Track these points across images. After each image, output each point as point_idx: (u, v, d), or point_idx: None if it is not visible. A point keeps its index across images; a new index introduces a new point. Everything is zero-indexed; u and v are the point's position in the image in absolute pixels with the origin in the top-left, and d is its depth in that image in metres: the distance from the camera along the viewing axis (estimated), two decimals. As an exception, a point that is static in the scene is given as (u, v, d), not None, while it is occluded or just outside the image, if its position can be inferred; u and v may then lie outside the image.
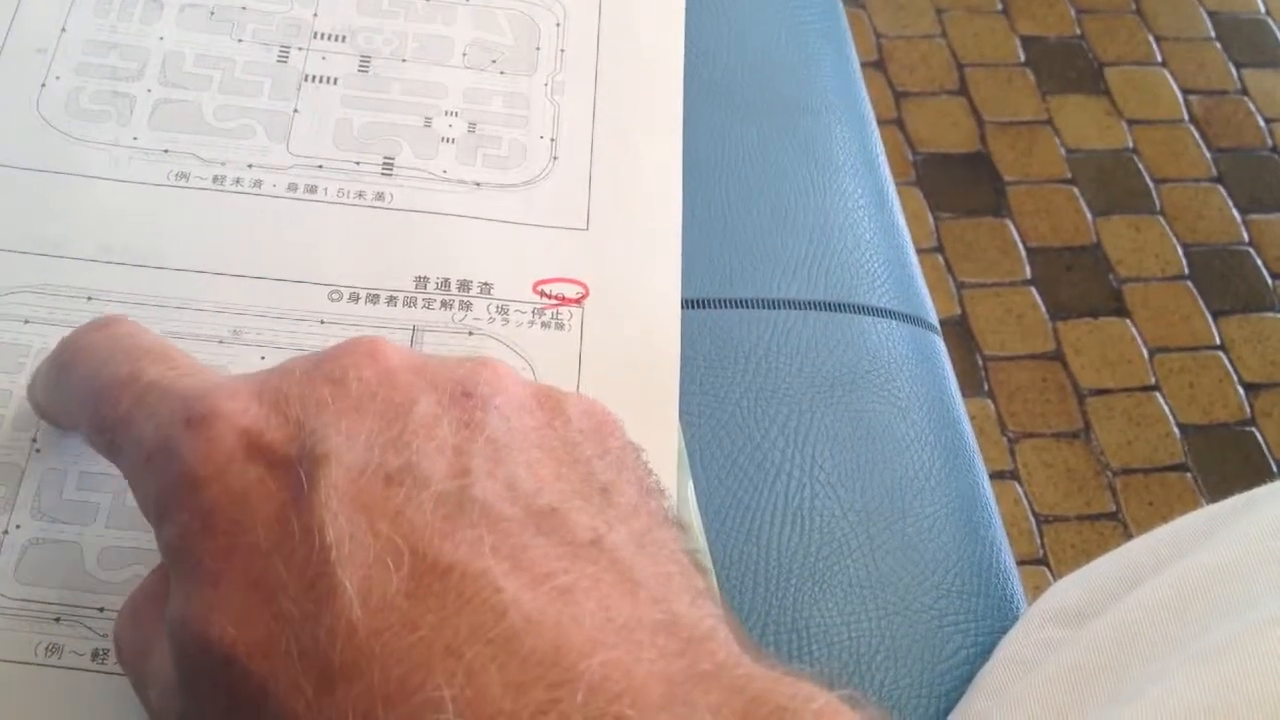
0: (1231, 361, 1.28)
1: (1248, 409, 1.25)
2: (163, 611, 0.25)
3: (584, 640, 0.22)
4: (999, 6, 1.52)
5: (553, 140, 0.43)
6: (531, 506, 0.24)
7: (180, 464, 0.25)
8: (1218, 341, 1.29)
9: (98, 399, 0.29)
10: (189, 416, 0.26)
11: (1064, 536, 1.15)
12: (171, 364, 0.28)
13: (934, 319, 0.46)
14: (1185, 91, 1.48)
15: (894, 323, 0.44)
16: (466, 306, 0.39)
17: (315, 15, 0.44)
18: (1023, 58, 1.49)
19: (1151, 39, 1.52)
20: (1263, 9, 1.56)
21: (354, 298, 0.39)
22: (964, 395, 0.45)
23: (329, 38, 0.44)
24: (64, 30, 0.43)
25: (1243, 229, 1.37)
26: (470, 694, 0.21)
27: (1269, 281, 1.34)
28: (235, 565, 0.23)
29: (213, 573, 0.24)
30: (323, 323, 0.38)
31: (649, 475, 0.27)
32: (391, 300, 0.39)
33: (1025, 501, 1.16)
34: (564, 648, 0.21)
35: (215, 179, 0.40)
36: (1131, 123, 1.45)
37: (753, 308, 0.42)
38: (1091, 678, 0.31)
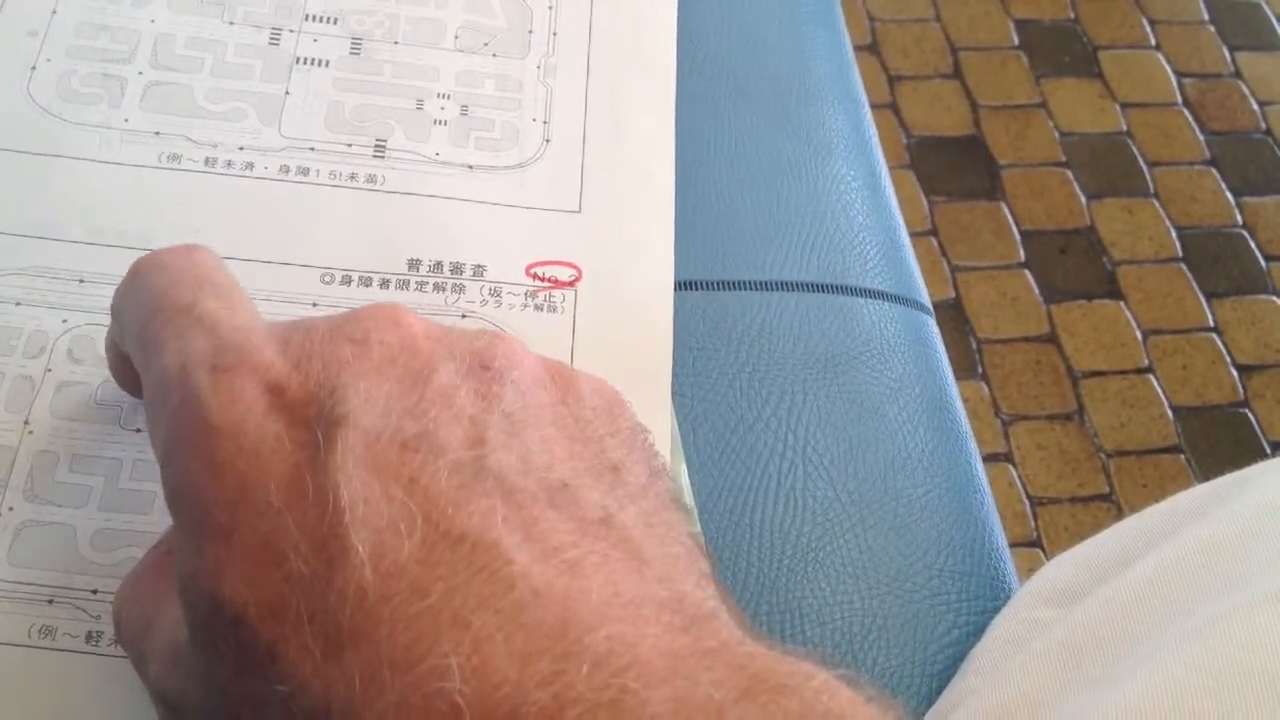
0: (1225, 344, 1.28)
1: (1241, 391, 1.25)
2: (164, 588, 0.25)
3: (590, 614, 0.22)
4: (993, -11, 1.52)
5: (545, 123, 0.43)
6: (545, 481, 0.24)
7: (195, 408, 0.25)
8: (1211, 324, 1.29)
9: (150, 316, 0.28)
10: (215, 364, 0.25)
11: (1057, 518, 1.15)
12: (229, 304, 0.28)
13: (926, 300, 0.46)
14: (1179, 75, 1.48)
15: (887, 304, 0.44)
16: (459, 289, 0.39)
17: (306, -3, 0.44)
18: (1017, 41, 1.48)
19: (1145, 22, 1.52)
20: (1257, -8, 1.56)
21: (346, 280, 0.39)
22: (958, 378, 0.45)
23: (320, 20, 0.44)
24: (55, 13, 0.43)
25: (1236, 212, 1.38)
26: (476, 662, 0.21)
27: (1262, 264, 1.34)
28: (245, 521, 0.23)
29: (223, 527, 0.23)
30: (315, 306, 0.38)
31: (655, 456, 0.28)
32: (384, 283, 0.39)
33: (1019, 484, 1.17)
34: (571, 621, 0.21)
35: (207, 161, 0.40)
36: (1125, 106, 1.44)
37: (746, 289, 0.42)
38: (1082, 656, 0.31)
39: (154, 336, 0.28)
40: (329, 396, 0.24)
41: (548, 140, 0.43)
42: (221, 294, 0.28)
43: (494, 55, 0.44)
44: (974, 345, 1.25)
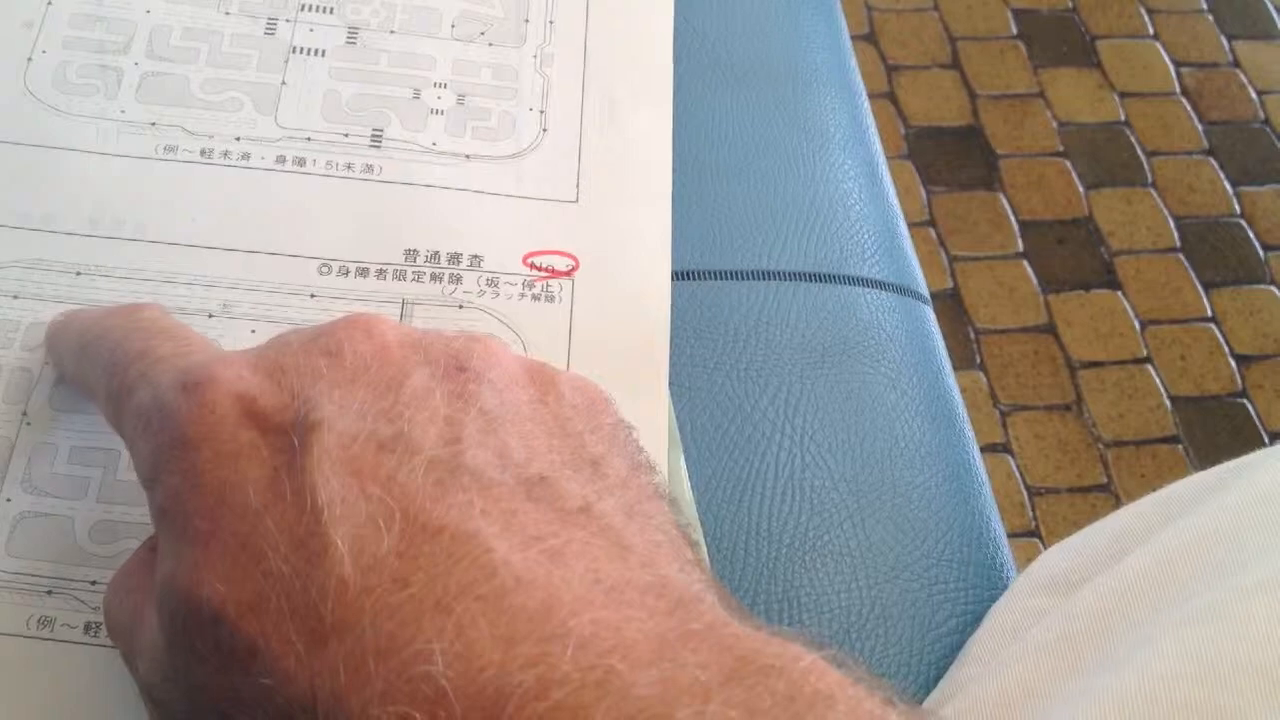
0: (1223, 333, 1.28)
1: (1239, 381, 1.25)
2: (152, 581, 0.26)
3: (573, 600, 0.22)
4: (991, -21, 1.52)
5: (542, 112, 0.43)
6: (522, 475, 0.25)
7: (173, 426, 0.25)
8: (1209, 314, 1.29)
9: (109, 372, 0.29)
10: (185, 383, 0.26)
11: (1056, 509, 1.15)
12: (184, 343, 0.29)
13: (924, 290, 0.46)
14: (1177, 64, 1.48)
15: (884, 294, 0.44)
16: (456, 279, 0.39)
17: (303, -13, 0.44)
18: (1015, 31, 1.48)
19: (1143, 11, 1.52)
20: (1255, -19, 1.56)
21: (344, 271, 0.39)
22: (956, 368, 0.45)
23: (316, 9, 0.44)
24: (50, 4, 0.42)
25: (1234, 201, 1.37)
26: (460, 647, 0.21)
27: (1260, 254, 1.34)
28: (224, 525, 0.24)
29: (202, 532, 0.24)
30: (313, 296, 0.38)
31: (640, 451, 0.28)
32: (381, 273, 0.39)
33: (1017, 474, 1.17)
34: (554, 606, 0.22)
35: (203, 152, 0.40)
36: (1123, 95, 1.44)
37: (743, 279, 0.42)
38: (1079, 644, 0.31)
39: (119, 388, 0.28)
40: (303, 405, 0.25)
41: (544, 130, 0.43)
42: (171, 336, 0.30)
43: (490, 44, 0.44)
44: (972, 335, 1.25)
